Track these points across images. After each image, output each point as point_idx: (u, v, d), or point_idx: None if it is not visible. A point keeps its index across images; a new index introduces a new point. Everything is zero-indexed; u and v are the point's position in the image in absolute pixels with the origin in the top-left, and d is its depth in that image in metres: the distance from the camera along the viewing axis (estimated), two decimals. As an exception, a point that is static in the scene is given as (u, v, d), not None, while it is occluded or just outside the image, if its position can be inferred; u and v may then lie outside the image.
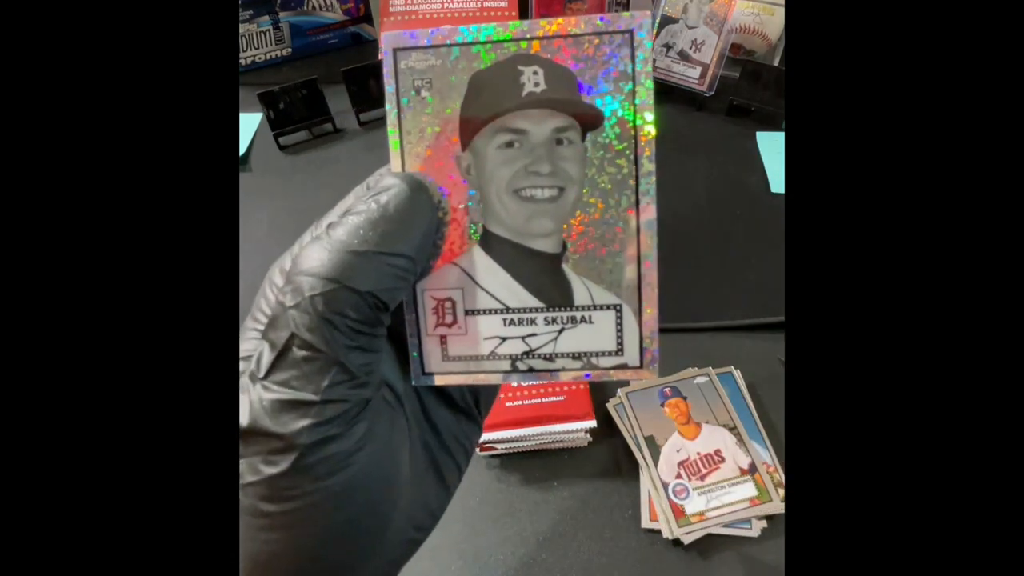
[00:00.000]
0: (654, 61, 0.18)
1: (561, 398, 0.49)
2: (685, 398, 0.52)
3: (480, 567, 0.46)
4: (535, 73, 0.20)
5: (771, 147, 0.75)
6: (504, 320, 0.21)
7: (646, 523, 0.47)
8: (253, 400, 0.18)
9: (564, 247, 0.21)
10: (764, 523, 0.46)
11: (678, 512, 0.46)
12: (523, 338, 0.21)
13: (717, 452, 0.49)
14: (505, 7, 0.88)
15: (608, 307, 0.21)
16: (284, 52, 0.89)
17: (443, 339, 0.21)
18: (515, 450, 0.50)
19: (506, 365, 0.21)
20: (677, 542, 0.46)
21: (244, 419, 0.18)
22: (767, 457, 0.49)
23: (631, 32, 0.19)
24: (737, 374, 0.54)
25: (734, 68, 0.78)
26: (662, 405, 0.52)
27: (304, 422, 0.17)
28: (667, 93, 0.79)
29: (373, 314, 0.18)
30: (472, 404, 0.24)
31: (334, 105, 0.78)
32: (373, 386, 0.19)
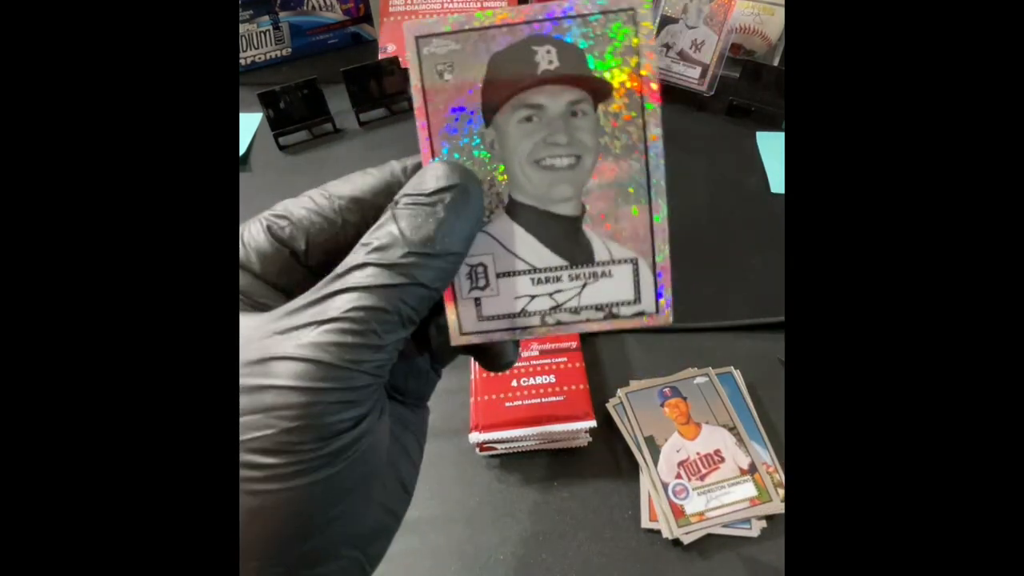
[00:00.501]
0: (656, 35, 0.21)
1: (561, 398, 0.49)
2: (685, 398, 0.52)
3: (480, 567, 0.46)
4: (548, 52, 0.22)
5: (771, 147, 0.75)
6: (532, 279, 0.23)
7: (646, 523, 0.47)
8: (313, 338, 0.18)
9: (583, 209, 0.23)
10: (764, 523, 0.46)
11: (678, 512, 0.46)
12: (550, 295, 0.23)
13: (717, 452, 0.49)
14: (504, 7, 0.87)
15: (625, 261, 0.23)
16: (284, 52, 0.89)
17: (477, 301, 0.23)
18: (515, 450, 0.50)
19: (536, 320, 0.23)
20: (677, 542, 0.46)
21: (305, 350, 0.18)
22: (767, 457, 0.49)
23: (633, 10, 0.21)
24: (737, 374, 0.54)
25: (734, 68, 0.78)
26: (662, 405, 0.52)
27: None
28: (667, 93, 0.79)
29: (426, 305, 0.20)
30: (427, 361, 0.25)
31: (334, 105, 0.78)
32: (388, 367, 0.20)
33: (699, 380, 0.53)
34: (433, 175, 0.21)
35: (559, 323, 0.23)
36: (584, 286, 0.23)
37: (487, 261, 0.23)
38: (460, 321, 0.23)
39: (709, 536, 0.46)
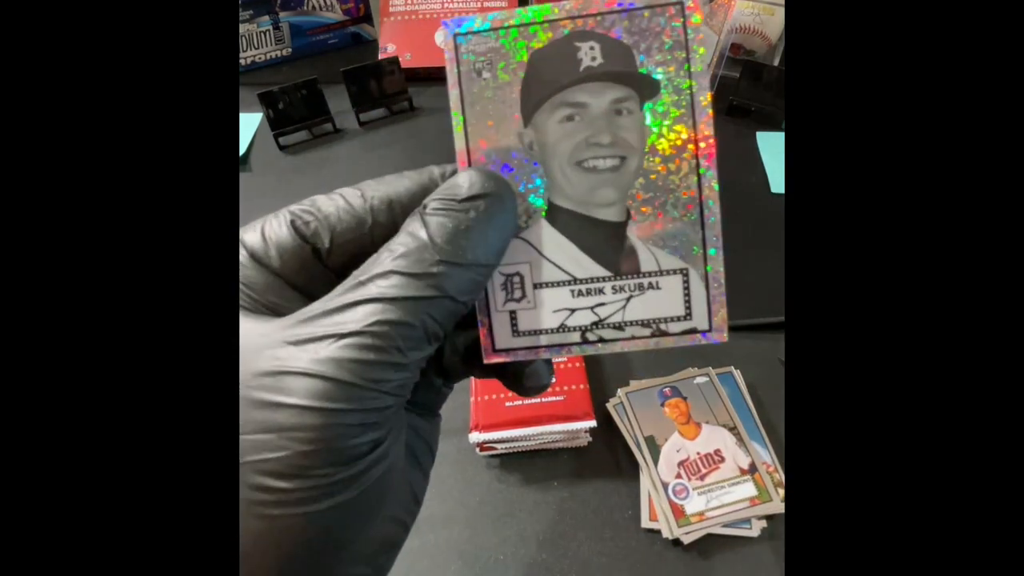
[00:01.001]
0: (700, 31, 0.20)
1: (561, 398, 0.49)
2: (685, 398, 0.52)
3: (480, 567, 0.46)
4: (592, 48, 0.20)
5: (771, 147, 0.75)
6: (572, 291, 0.21)
7: (646, 523, 0.47)
8: (333, 355, 0.17)
9: (628, 215, 0.21)
10: (764, 523, 0.46)
11: (678, 512, 0.46)
12: (592, 308, 0.21)
13: (717, 452, 0.49)
14: (504, 7, 0.88)
15: (675, 271, 0.21)
16: (284, 52, 0.89)
17: (512, 315, 0.22)
18: (515, 450, 0.50)
19: (576, 337, 0.21)
20: (677, 542, 0.46)
21: (326, 368, 0.17)
22: (767, 457, 0.49)
23: (681, 3, 0.20)
24: (737, 374, 0.54)
25: (734, 68, 0.78)
26: (662, 405, 0.52)
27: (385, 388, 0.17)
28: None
29: (452, 320, 0.19)
30: (439, 379, 0.24)
31: (334, 105, 0.78)
32: (410, 387, 0.19)
33: (699, 380, 0.53)
34: (467, 180, 0.19)
35: (601, 340, 0.21)
36: (629, 299, 0.21)
37: (523, 270, 0.21)
38: (494, 336, 0.22)
39: (709, 536, 0.46)
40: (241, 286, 0.19)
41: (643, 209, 0.21)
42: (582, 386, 0.50)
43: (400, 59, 0.78)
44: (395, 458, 0.19)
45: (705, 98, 0.20)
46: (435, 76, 0.84)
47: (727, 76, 0.78)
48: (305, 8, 0.87)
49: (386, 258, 0.18)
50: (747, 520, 0.46)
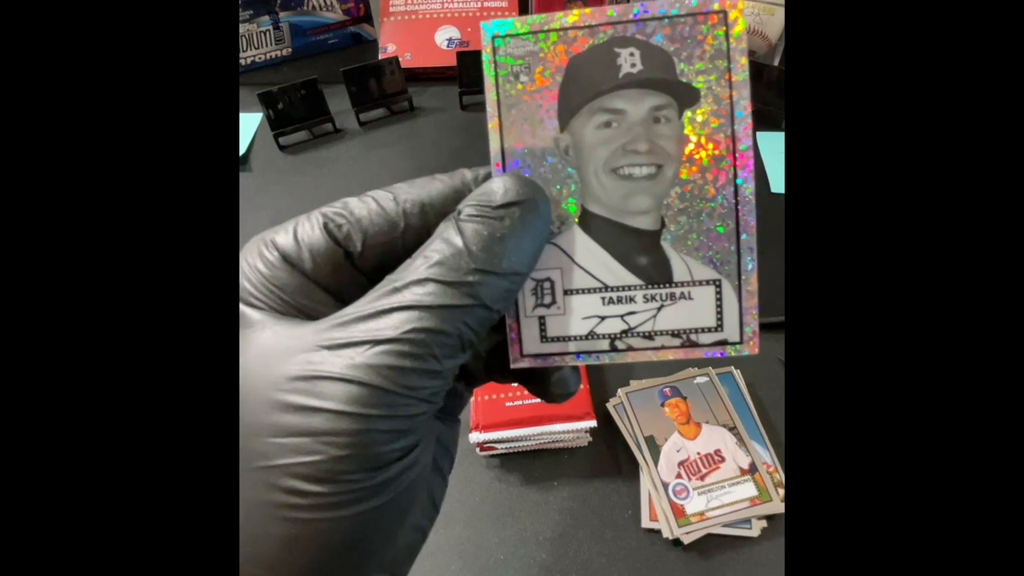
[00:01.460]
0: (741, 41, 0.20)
1: (561, 398, 0.49)
2: (685, 398, 0.52)
3: (480, 567, 0.46)
4: (631, 54, 0.20)
5: (771, 147, 0.75)
6: (603, 299, 0.21)
7: (646, 523, 0.47)
8: (369, 360, 0.17)
9: (662, 224, 0.21)
10: (764, 523, 0.46)
11: (678, 512, 0.46)
12: (622, 316, 0.21)
13: (717, 452, 0.49)
14: (505, 7, 0.88)
15: (707, 282, 0.21)
16: (284, 52, 0.89)
17: (542, 320, 0.21)
18: (515, 450, 0.50)
19: (605, 344, 0.21)
20: (677, 542, 0.46)
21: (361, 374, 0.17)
22: (767, 457, 0.49)
23: (724, 12, 0.20)
24: (737, 374, 0.54)
25: (734, 68, 0.78)
26: (662, 405, 0.52)
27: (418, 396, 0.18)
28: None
29: (486, 328, 0.19)
30: (462, 383, 0.24)
31: (334, 105, 0.78)
32: (443, 394, 0.19)
33: (699, 380, 0.53)
34: (502, 187, 0.19)
35: (630, 348, 0.21)
36: (660, 308, 0.21)
37: (555, 276, 0.21)
38: (522, 342, 0.22)
39: (709, 536, 0.46)
40: (273, 288, 0.19)
41: (678, 218, 0.21)
42: (582, 386, 0.50)
43: (400, 59, 0.78)
44: (423, 465, 0.19)
45: (746, 108, 0.20)
46: (435, 76, 0.84)
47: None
48: (305, 8, 0.87)
49: (421, 265, 0.18)
50: (747, 520, 0.46)
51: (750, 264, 0.21)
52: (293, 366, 0.17)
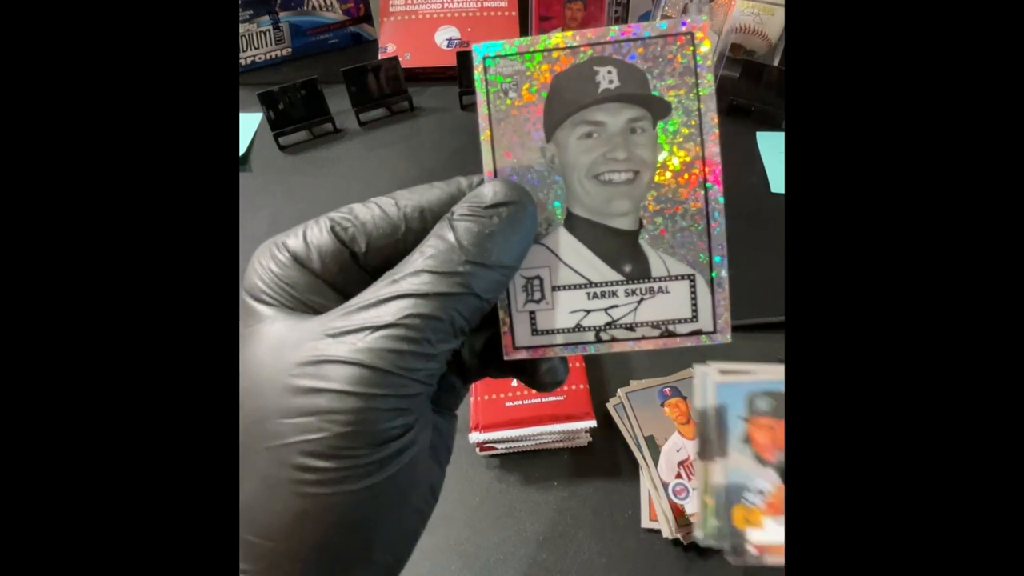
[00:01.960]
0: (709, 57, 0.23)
1: (561, 398, 0.49)
2: (685, 398, 0.52)
3: (480, 567, 0.46)
4: (609, 72, 0.22)
5: (771, 147, 0.75)
6: (588, 294, 0.23)
7: (646, 523, 0.47)
8: (369, 344, 0.19)
9: (640, 224, 0.23)
10: (764, 523, 0.46)
11: (678, 512, 0.46)
12: (605, 310, 0.23)
13: (717, 452, 0.49)
14: (505, 7, 0.88)
15: (682, 277, 0.23)
16: (284, 52, 0.89)
17: (532, 315, 0.23)
18: (515, 450, 0.50)
19: (591, 336, 0.23)
20: (677, 542, 0.46)
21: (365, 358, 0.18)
22: (767, 457, 0.49)
23: (691, 33, 0.22)
24: (737, 374, 0.54)
25: (734, 68, 0.78)
26: (662, 405, 0.52)
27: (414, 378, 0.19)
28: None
29: (477, 316, 0.21)
30: (458, 378, 0.25)
31: (334, 105, 0.78)
32: (437, 377, 0.20)
33: (699, 380, 0.53)
34: (491, 190, 0.21)
35: (614, 339, 0.23)
36: (640, 302, 0.23)
37: (543, 274, 0.23)
38: (514, 334, 0.23)
39: (709, 536, 0.46)
40: (285, 286, 0.21)
41: (654, 219, 0.23)
42: (582, 386, 0.50)
43: (400, 59, 0.78)
44: (421, 445, 0.20)
45: (712, 119, 0.22)
46: (435, 76, 0.84)
47: (727, 76, 0.78)
48: (305, 8, 0.87)
49: (417, 259, 0.20)
50: (747, 520, 0.46)
51: (720, 260, 0.23)
52: (302, 353, 0.19)
